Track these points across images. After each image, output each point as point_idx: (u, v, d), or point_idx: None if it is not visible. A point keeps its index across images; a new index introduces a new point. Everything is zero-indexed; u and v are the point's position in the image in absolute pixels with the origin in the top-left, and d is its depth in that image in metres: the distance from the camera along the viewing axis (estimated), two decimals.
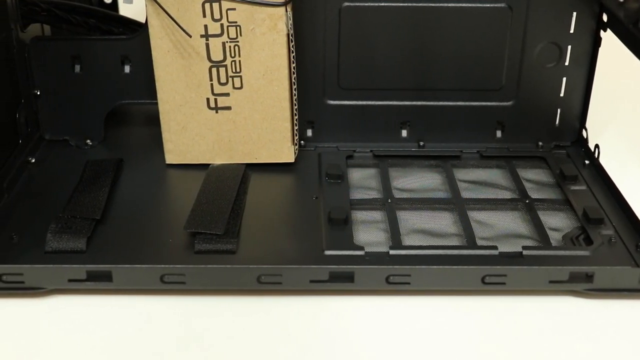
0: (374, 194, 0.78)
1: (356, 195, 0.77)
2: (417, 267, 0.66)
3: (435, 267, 0.66)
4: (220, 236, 0.68)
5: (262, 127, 0.79)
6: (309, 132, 0.84)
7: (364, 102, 0.83)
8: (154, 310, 0.66)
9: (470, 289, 0.66)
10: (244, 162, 0.80)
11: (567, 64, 0.82)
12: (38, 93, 0.83)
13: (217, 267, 0.65)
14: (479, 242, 0.70)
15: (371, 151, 0.84)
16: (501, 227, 0.73)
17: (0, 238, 0.69)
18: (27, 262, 0.66)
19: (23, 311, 0.65)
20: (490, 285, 0.66)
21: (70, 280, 0.66)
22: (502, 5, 0.79)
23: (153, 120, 0.84)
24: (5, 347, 0.62)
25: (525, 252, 0.68)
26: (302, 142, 0.84)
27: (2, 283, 0.65)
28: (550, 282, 0.66)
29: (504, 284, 0.66)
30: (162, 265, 0.65)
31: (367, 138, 0.84)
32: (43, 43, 0.82)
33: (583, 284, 0.66)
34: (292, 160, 0.81)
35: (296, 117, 0.80)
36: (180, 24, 0.74)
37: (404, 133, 0.85)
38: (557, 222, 0.74)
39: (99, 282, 0.66)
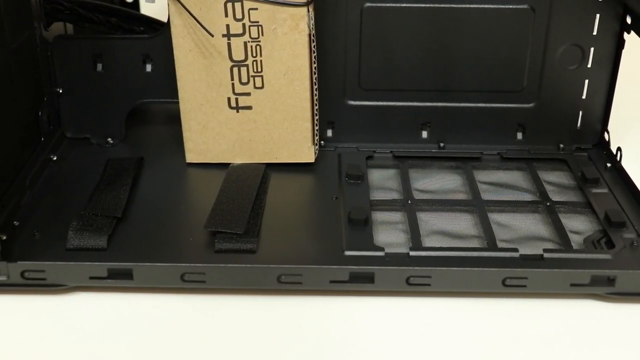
0: (394, 195, 0.78)
1: (376, 195, 0.77)
2: (437, 268, 0.65)
3: (456, 268, 0.65)
4: (240, 235, 0.68)
5: (282, 126, 0.79)
6: (329, 133, 0.84)
7: (385, 103, 0.83)
8: (174, 308, 0.66)
9: (491, 291, 0.66)
10: (264, 162, 0.80)
11: (589, 66, 0.81)
12: (60, 91, 0.83)
13: (237, 266, 0.66)
14: (500, 244, 0.70)
15: (391, 152, 0.84)
16: (522, 229, 0.73)
17: (23, 235, 0.69)
18: (49, 259, 0.66)
19: (45, 307, 0.66)
20: (510, 288, 0.66)
21: (91, 278, 0.66)
22: (525, 6, 0.79)
23: (173, 119, 0.84)
24: (27, 343, 0.62)
25: (546, 255, 0.67)
26: (322, 142, 0.84)
27: (24, 279, 0.66)
28: (572, 285, 0.66)
29: (524, 286, 0.66)
30: (183, 264, 0.66)
31: (387, 139, 0.84)
32: (66, 42, 0.82)
33: (604, 287, 0.66)
34: (312, 161, 0.81)
35: (317, 117, 0.80)
36: (203, 24, 0.75)
37: (424, 134, 0.85)
38: (578, 225, 0.73)
39: (119, 279, 0.66)
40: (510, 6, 0.79)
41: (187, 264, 0.66)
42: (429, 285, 0.66)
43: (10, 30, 0.72)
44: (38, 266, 0.66)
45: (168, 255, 0.67)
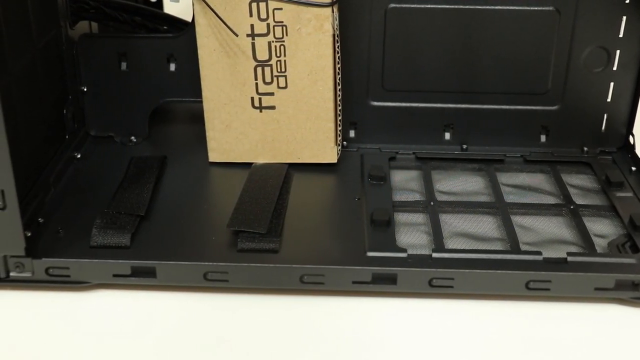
0: (416, 196, 0.77)
1: (398, 197, 0.77)
2: (461, 270, 0.65)
3: (479, 271, 0.65)
4: (263, 235, 0.69)
5: (305, 127, 0.79)
6: (352, 133, 0.84)
7: (408, 104, 0.83)
8: (196, 306, 0.66)
9: (514, 294, 0.66)
10: (286, 162, 0.81)
11: (615, 68, 0.81)
12: (85, 90, 0.84)
13: (260, 265, 0.66)
14: (523, 247, 0.69)
15: (414, 153, 0.83)
16: (545, 232, 0.73)
17: (47, 231, 0.70)
18: (73, 256, 0.67)
19: (68, 304, 0.66)
20: (534, 291, 0.65)
21: (114, 275, 0.66)
22: (550, 8, 0.78)
23: (196, 118, 0.84)
24: (50, 339, 0.63)
25: (570, 259, 0.67)
26: (344, 143, 0.84)
27: (48, 276, 0.66)
28: (596, 289, 0.65)
29: (548, 289, 0.65)
30: (206, 263, 0.66)
31: (410, 140, 0.84)
32: (91, 40, 0.83)
33: (629, 292, 0.65)
34: (335, 161, 0.81)
35: (339, 117, 0.80)
36: (227, 23, 0.75)
37: (447, 136, 0.84)
38: (602, 229, 0.73)
39: (142, 277, 0.67)
40: (536, 8, 0.78)
41: (210, 263, 0.66)
42: (451, 287, 0.66)
43: (37, 29, 0.73)
44: (63, 263, 0.66)
45: (191, 254, 0.67)
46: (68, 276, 0.67)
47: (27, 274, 0.66)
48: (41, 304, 0.66)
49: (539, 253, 0.68)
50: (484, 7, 0.79)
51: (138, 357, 0.61)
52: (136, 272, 0.66)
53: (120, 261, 0.66)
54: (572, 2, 0.78)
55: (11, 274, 0.66)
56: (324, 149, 0.80)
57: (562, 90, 0.82)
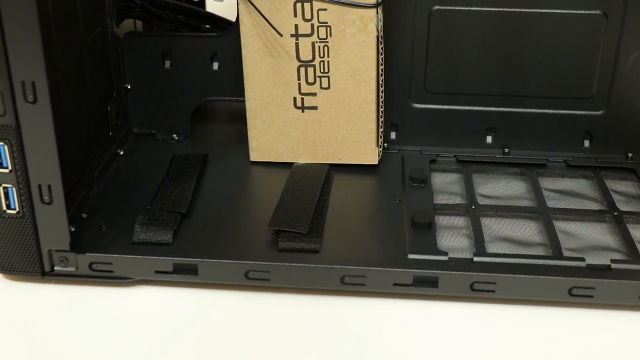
0: (457, 200, 0.77)
1: (439, 199, 0.76)
2: (503, 275, 0.65)
3: (521, 276, 0.65)
4: (304, 235, 0.69)
5: (347, 127, 0.79)
6: (393, 135, 0.84)
7: (450, 107, 0.83)
8: (236, 305, 0.66)
9: (557, 300, 0.65)
10: (327, 162, 0.81)
11: None
12: (128, 87, 0.85)
13: (302, 265, 0.66)
14: (566, 253, 0.69)
15: (455, 156, 0.83)
16: (588, 238, 0.72)
17: (90, 227, 0.71)
18: (116, 252, 0.67)
19: (110, 300, 0.67)
20: (577, 298, 0.65)
21: (157, 272, 0.67)
22: (597, 12, 0.77)
23: (237, 117, 0.85)
24: (92, 334, 0.63)
25: (613, 266, 0.66)
26: (385, 144, 0.84)
27: (92, 271, 0.67)
28: None
29: (591, 296, 0.65)
30: (248, 262, 0.66)
31: (451, 143, 0.84)
32: (136, 38, 0.84)
33: None
34: (376, 162, 0.81)
35: (381, 119, 0.80)
36: (272, 23, 0.75)
37: (489, 139, 0.84)
38: None
39: (184, 275, 0.67)
40: (582, 11, 0.78)
41: (252, 262, 0.66)
42: (493, 291, 0.65)
43: (85, 26, 0.74)
44: (106, 259, 0.67)
45: (232, 252, 0.68)
46: (111, 271, 0.67)
47: (71, 269, 0.67)
48: (84, 298, 0.67)
49: (582, 259, 0.67)
50: (529, 10, 0.78)
51: (178, 353, 0.62)
52: (178, 269, 0.67)
53: (163, 258, 0.67)
54: (619, 6, 0.77)
55: (56, 268, 0.67)
56: (365, 150, 0.80)
57: (607, 95, 0.81)
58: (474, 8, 0.78)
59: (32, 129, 0.61)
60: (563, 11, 0.78)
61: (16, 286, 0.68)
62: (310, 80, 0.78)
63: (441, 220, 0.74)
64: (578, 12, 0.78)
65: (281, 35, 0.76)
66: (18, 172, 0.63)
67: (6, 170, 0.63)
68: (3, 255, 0.66)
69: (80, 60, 0.74)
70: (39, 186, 0.63)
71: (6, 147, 0.62)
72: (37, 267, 0.67)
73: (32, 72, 0.59)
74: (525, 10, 0.78)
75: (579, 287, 0.65)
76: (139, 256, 0.67)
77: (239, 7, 0.76)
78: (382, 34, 0.76)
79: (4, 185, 0.64)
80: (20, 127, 0.61)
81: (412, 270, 0.65)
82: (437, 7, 0.79)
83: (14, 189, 0.64)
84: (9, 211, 0.64)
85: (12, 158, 0.62)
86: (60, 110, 0.66)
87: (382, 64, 0.77)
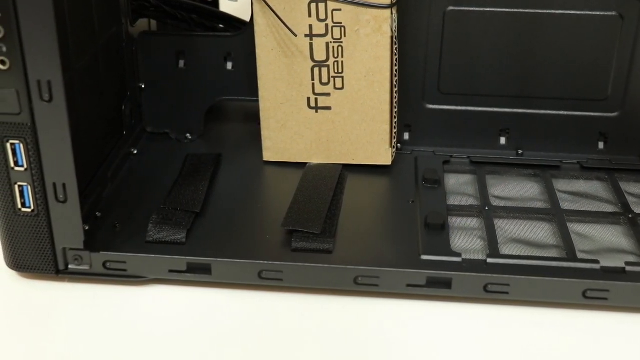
0: (470, 201, 0.77)
1: (453, 201, 0.76)
2: (517, 277, 0.65)
3: (535, 278, 0.64)
4: (317, 235, 0.69)
5: (360, 128, 0.79)
6: (406, 136, 0.84)
7: (464, 108, 0.83)
8: (249, 304, 0.67)
9: (571, 302, 0.65)
10: (340, 163, 0.81)
11: None
12: (143, 86, 0.85)
13: (315, 265, 0.66)
14: (580, 255, 0.68)
15: (468, 157, 0.83)
16: (602, 240, 0.71)
17: (104, 226, 0.71)
18: (130, 250, 0.67)
19: (124, 298, 0.67)
20: (591, 300, 0.64)
21: (170, 271, 0.67)
22: (613, 13, 0.77)
23: (251, 117, 0.85)
24: (105, 332, 0.64)
25: (628, 268, 0.66)
26: (398, 145, 0.84)
27: (105, 269, 0.67)
28: None
29: (606, 299, 0.64)
30: (261, 261, 0.66)
31: (465, 144, 0.83)
32: (150, 38, 0.84)
33: None
34: (389, 163, 0.81)
35: (395, 119, 0.79)
36: (287, 23, 0.75)
37: (503, 140, 0.83)
38: None
39: (198, 274, 0.67)
40: (598, 13, 0.77)
41: (265, 262, 0.66)
42: (507, 293, 0.65)
43: (100, 25, 0.74)
44: (120, 257, 0.67)
45: (245, 252, 0.68)
46: (125, 270, 0.67)
47: (85, 267, 0.67)
48: (97, 297, 0.67)
49: (597, 262, 0.66)
50: (544, 11, 0.78)
51: (190, 352, 0.62)
52: (192, 269, 0.67)
53: (176, 257, 0.67)
54: (635, 7, 0.76)
55: (70, 266, 0.68)
56: (379, 151, 0.80)
57: (623, 96, 0.80)
58: (488, 9, 0.78)
59: (48, 127, 0.61)
60: (578, 12, 0.77)
61: (30, 284, 0.69)
62: (324, 80, 0.78)
63: (454, 221, 0.73)
64: (593, 13, 0.77)
65: (295, 36, 0.76)
66: (33, 171, 0.63)
67: (22, 169, 0.63)
68: (18, 253, 0.67)
69: (95, 60, 0.74)
70: (54, 185, 0.64)
71: (22, 146, 0.62)
72: (51, 266, 0.67)
73: (48, 71, 0.60)
74: (539, 11, 0.78)
75: (593, 290, 0.64)
76: (153, 255, 0.67)
77: (254, 7, 0.76)
78: (396, 34, 0.76)
79: (19, 183, 0.64)
80: (36, 125, 0.62)
81: (426, 271, 0.65)
82: (451, 7, 0.78)
83: (29, 187, 0.64)
84: (24, 209, 0.65)
85: (28, 156, 0.63)
86: (75, 109, 0.67)
87: (396, 65, 0.77)
